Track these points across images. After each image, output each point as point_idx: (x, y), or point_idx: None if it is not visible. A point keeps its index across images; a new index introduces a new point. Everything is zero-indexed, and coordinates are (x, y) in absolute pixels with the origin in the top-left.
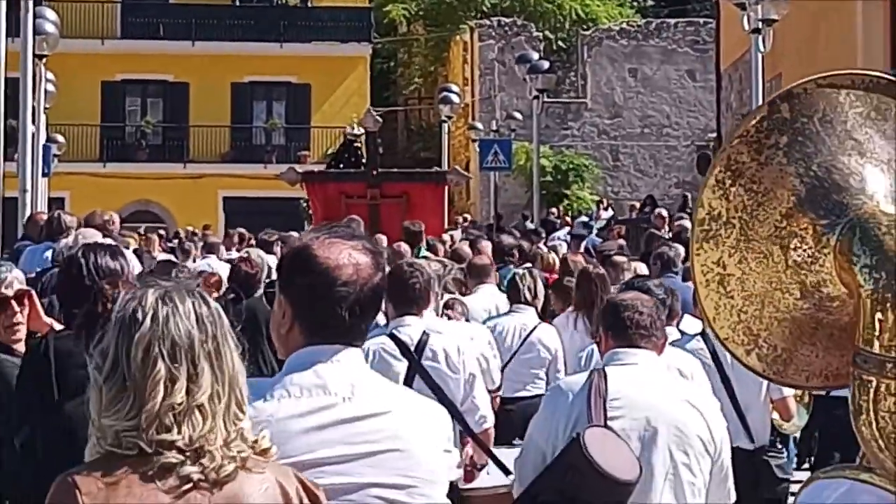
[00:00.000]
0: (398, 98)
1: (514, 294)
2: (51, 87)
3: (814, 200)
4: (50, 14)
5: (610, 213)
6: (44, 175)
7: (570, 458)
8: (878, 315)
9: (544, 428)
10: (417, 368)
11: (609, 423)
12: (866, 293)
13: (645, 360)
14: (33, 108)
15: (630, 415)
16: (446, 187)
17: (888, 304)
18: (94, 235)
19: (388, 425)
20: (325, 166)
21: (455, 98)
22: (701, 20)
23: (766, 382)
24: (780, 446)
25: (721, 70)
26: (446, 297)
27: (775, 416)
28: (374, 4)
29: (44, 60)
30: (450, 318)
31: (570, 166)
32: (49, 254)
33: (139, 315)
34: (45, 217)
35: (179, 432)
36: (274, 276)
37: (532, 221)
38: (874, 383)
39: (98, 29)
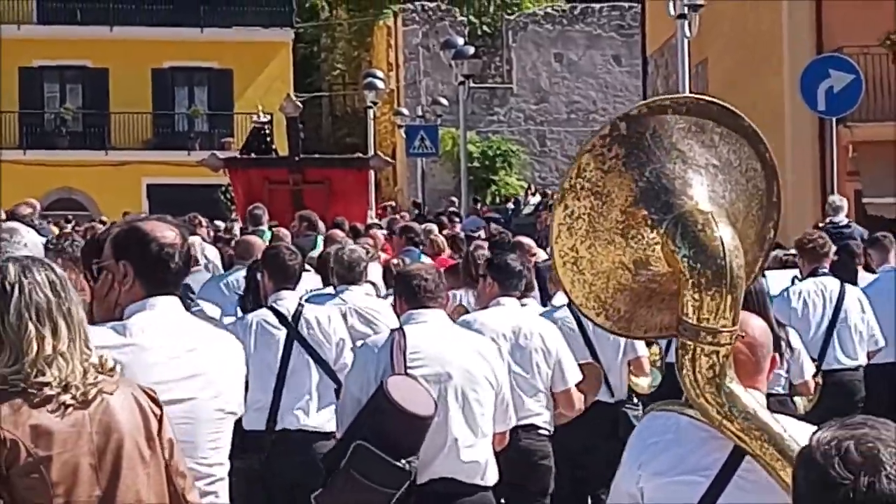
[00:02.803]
0: (322, 83)
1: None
2: None
3: (646, 200)
4: None
5: (538, 198)
6: None
7: (376, 402)
8: (694, 295)
9: (357, 379)
10: (295, 335)
11: (411, 371)
12: (684, 278)
13: (433, 318)
14: None
15: (428, 364)
16: (370, 173)
17: (701, 288)
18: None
19: (201, 357)
20: (238, 155)
21: (380, 83)
22: (626, 4)
23: (622, 346)
24: (636, 401)
25: (647, 55)
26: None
27: (633, 378)
28: None
29: None
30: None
31: (498, 152)
32: None
33: (7, 287)
34: None
35: (51, 374)
36: None
37: (457, 206)
38: (692, 346)
39: (14, 14)
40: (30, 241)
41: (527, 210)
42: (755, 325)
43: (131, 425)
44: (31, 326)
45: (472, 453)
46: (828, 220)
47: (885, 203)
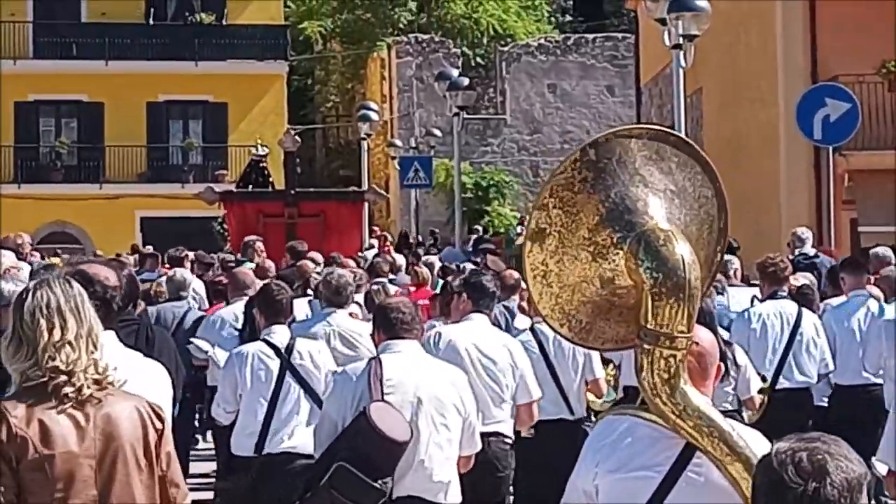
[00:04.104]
0: (315, 116)
1: (370, 305)
2: None
3: (611, 219)
4: None
5: None
6: None
7: (358, 425)
8: (656, 303)
9: (335, 404)
10: (288, 366)
11: (386, 398)
12: (647, 287)
13: (408, 348)
14: None
15: (401, 391)
16: (364, 206)
17: (662, 296)
18: (9, 256)
19: (137, 379)
20: (234, 188)
21: (374, 115)
22: (619, 35)
23: (580, 368)
24: (594, 419)
25: (640, 85)
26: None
27: (590, 396)
28: (289, 22)
29: None
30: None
31: (491, 183)
32: None
33: (24, 296)
34: None
35: (60, 359)
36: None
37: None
38: (651, 350)
39: (9, 49)
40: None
41: (519, 241)
42: (703, 336)
43: (131, 435)
44: (42, 320)
45: (439, 474)
46: (797, 251)
47: (882, 232)
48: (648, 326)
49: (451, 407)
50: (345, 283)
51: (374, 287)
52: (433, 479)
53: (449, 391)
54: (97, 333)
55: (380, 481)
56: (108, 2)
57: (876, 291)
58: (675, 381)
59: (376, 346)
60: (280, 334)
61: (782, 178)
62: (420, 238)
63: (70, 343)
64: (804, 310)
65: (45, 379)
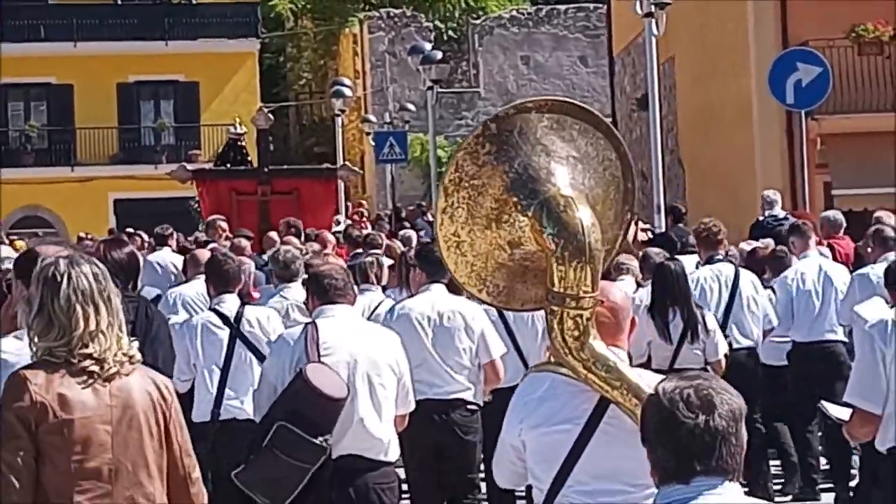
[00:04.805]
0: (288, 93)
1: (363, 276)
2: None
3: (516, 188)
4: None
5: None
6: None
7: (296, 385)
8: (560, 267)
9: (274, 368)
10: (237, 334)
11: (323, 360)
12: (550, 252)
13: (342, 312)
14: None
15: (338, 353)
16: (338, 183)
17: (565, 260)
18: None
19: None
20: (212, 166)
21: (347, 91)
22: (591, 6)
23: (540, 332)
24: None
25: (613, 55)
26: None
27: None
28: None
29: None
30: None
31: None
32: None
33: (58, 276)
34: None
35: (94, 347)
36: None
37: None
38: (559, 311)
39: None
40: None
41: None
42: (615, 292)
43: (145, 405)
44: (78, 308)
45: (377, 431)
46: (766, 213)
47: (855, 195)
48: (555, 289)
49: (386, 367)
50: (292, 257)
51: (369, 259)
52: (372, 437)
53: (383, 352)
54: (122, 318)
55: (320, 438)
56: None
57: (825, 251)
58: (584, 339)
59: (310, 312)
60: (229, 303)
61: (756, 143)
62: (410, 209)
63: (103, 332)
64: (742, 270)
65: (74, 361)
